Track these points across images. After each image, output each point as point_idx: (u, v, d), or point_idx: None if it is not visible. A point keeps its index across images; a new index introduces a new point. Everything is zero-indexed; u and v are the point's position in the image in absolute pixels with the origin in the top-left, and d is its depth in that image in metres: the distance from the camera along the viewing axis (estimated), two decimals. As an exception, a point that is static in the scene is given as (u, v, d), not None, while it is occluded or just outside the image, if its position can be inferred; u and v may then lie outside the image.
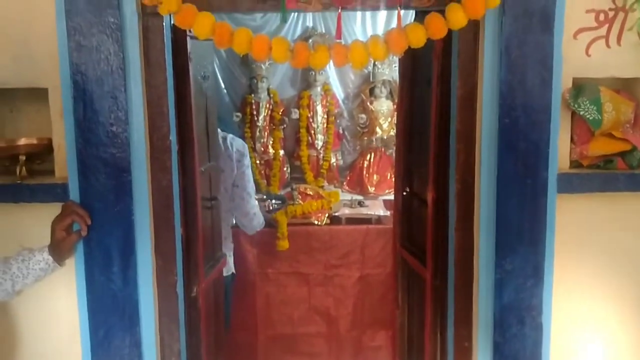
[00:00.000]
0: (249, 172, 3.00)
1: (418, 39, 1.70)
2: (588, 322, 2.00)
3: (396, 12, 1.77)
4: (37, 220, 1.87)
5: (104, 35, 1.78)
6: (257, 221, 3.15)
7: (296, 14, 4.27)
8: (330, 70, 4.42)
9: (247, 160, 2.99)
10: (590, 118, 1.89)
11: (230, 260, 3.06)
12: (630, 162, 1.93)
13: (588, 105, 1.89)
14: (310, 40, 4.21)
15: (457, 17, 1.68)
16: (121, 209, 1.86)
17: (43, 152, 1.97)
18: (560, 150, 1.91)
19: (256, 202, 3.15)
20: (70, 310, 1.93)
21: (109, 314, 1.90)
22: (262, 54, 1.70)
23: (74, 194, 1.85)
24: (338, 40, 1.76)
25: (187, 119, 2.09)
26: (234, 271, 3.13)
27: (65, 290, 1.93)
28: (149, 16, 1.84)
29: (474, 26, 1.85)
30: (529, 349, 1.94)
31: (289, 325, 3.90)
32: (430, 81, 2.16)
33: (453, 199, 1.99)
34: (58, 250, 1.81)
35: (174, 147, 1.96)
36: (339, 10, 1.75)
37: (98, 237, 1.86)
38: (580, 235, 1.96)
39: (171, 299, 1.98)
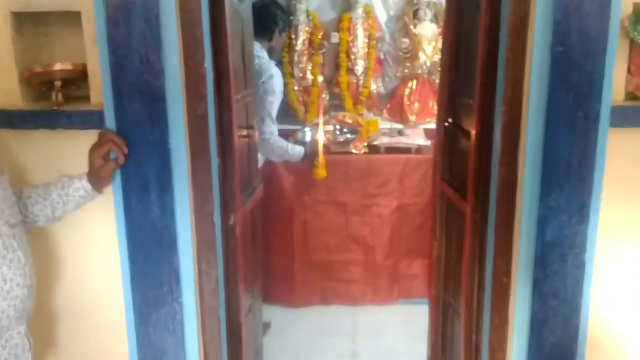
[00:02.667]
0: (266, 97, 2.88)
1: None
2: (633, 263, 1.94)
3: None
4: (75, 147, 1.87)
5: (136, -44, 1.70)
6: (271, 150, 3.05)
7: None
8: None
9: (267, 85, 2.86)
10: (651, 47, 1.76)
11: None
12: (690, 96, 1.81)
13: (649, 33, 1.75)
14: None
15: None
16: (157, 137, 1.84)
17: (79, 78, 1.95)
18: (616, 82, 1.79)
19: (275, 129, 3.03)
20: (110, 238, 1.94)
21: (147, 241, 1.91)
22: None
23: (110, 121, 1.83)
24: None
25: (222, 45, 2.01)
26: None
27: (104, 218, 1.94)
28: (181, -63, 1.75)
29: (529, -54, 1.71)
30: (570, 286, 1.89)
31: (325, 253, 3.94)
32: (479, 5, 2.02)
33: (498, 131, 1.90)
34: (96, 178, 1.82)
35: (210, 75, 1.91)
36: None
37: (135, 165, 1.85)
38: (632, 172, 1.87)
39: (208, 228, 1.98)
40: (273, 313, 3.79)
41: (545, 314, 1.91)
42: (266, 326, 3.54)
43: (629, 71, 1.84)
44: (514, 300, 1.97)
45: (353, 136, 3.80)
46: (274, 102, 2.94)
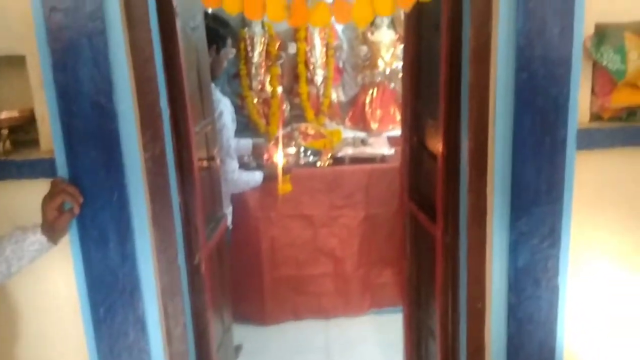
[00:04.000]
0: (225, 132, 2.82)
1: (428, -9, 1.53)
2: (606, 283, 1.93)
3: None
4: (27, 197, 1.76)
5: (80, -4, 1.61)
6: (234, 186, 3.00)
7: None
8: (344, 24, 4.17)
9: (220, 123, 2.78)
10: (614, 68, 1.75)
11: (229, 217, 2.97)
12: (656, 115, 1.80)
13: (611, 54, 1.74)
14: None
15: (471, -35, 1.51)
16: (113, 182, 1.75)
17: (27, 123, 1.84)
18: (581, 104, 1.78)
19: (236, 166, 2.99)
20: (70, 289, 1.85)
21: (108, 291, 1.82)
22: (256, 13, 1.55)
23: (62, 169, 1.74)
24: (339, -5, 1.59)
25: (177, 80, 1.93)
26: (229, 225, 3.03)
27: (63, 269, 1.84)
28: (128, -28, 1.66)
29: (489, -29, 1.67)
30: (544, 310, 1.88)
31: (294, 267, 3.90)
32: (439, 26, 1.99)
33: (465, 157, 1.87)
34: (51, 230, 1.72)
35: (165, 113, 1.84)
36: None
37: (91, 213, 1.76)
38: (600, 193, 1.86)
39: (173, 271, 1.90)
40: (244, 333, 3.71)
41: (521, 339, 1.90)
42: (238, 349, 3.47)
43: (593, 92, 1.83)
44: (490, 325, 1.95)
45: (316, 158, 3.75)
46: (230, 137, 2.87)
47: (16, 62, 1.77)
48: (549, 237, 1.82)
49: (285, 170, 3.40)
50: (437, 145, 2.05)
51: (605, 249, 1.90)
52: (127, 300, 1.83)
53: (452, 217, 2.04)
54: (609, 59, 1.73)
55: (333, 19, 1.58)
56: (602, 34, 1.75)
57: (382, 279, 3.97)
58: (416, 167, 2.47)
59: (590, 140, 1.79)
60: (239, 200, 3.60)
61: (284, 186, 3.61)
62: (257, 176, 3.15)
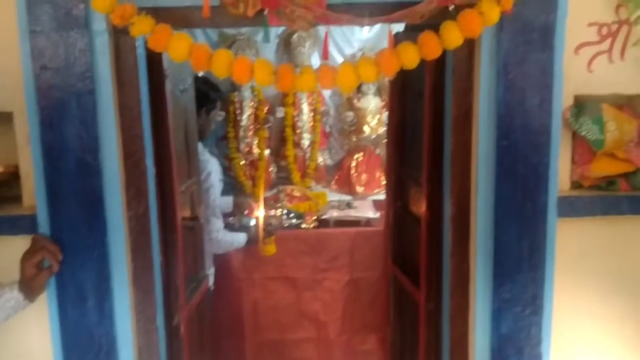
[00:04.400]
0: (213, 192, 2.83)
1: (411, 60, 1.57)
2: (590, 351, 1.92)
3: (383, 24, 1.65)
4: (6, 254, 1.74)
5: (72, 56, 1.64)
6: (217, 246, 2.98)
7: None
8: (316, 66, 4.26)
9: (208, 183, 2.80)
10: (592, 138, 1.79)
11: (211, 278, 2.94)
12: (634, 184, 1.84)
13: (590, 124, 1.79)
14: (295, 36, 4.07)
15: (453, 37, 1.56)
16: (94, 241, 1.74)
17: (10, 179, 1.84)
18: (561, 172, 1.80)
19: (221, 226, 2.98)
20: (44, 348, 1.81)
21: (84, 351, 1.78)
22: (244, 77, 1.58)
23: (43, 225, 1.73)
24: (325, 61, 1.63)
25: (164, 140, 1.96)
26: (210, 285, 2.99)
27: (38, 327, 1.81)
28: (120, 34, 1.70)
29: (470, 43, 1.73)
30: (528, 379, 1.85)
31: (277, 331, 3.81)
32: (422, 94, 2.04)
33: (448, 222, 1.89)
34: (29, 288, 1.69)
35: (151, 171, 1.85)
36: (326, 31, 1.62)
37: (70, 271, 1.74)
38: (582, 260, 1.87)
39: (151, 332, 1.87)
40: (224, 399, 3.61)
41: (505, 410, 1.86)
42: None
43: (573, 161, 1.86)
44: (473, 395, 1.92)
45: (299, 221, 3.74)
46: (217, 197, 2.88)
47: (3, 118, 1.78)
48: (531, 304, 1.82)
49: (270, 232, 3.39)
50: (420, 209, 2.07)
51: (588, 316, 1.89)
52: (102, 361, 1.79)
53: (435, 282, 2.04)
54: (588, 129, 1.78)
55: (319, 85, 1.63)
56: (581, 105, 1.80)
57: (366, 346, 3.88)
58: (400, 231, 2.48)
59: (570, 208, 1.81)
60: (221, 261, 3.56)
61: (267, 248, 3.58)
62: (240, 237, 3.14)
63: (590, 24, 1.77)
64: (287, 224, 3.65)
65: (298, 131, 4.20)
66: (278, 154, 4.29)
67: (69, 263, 1.73)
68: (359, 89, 4.19)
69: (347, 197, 4.13)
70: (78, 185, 1.71)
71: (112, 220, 1.76)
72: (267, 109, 4.20)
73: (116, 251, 1.78)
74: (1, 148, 1.87)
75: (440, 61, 1.87)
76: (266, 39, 1.64)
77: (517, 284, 1.80)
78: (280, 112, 4.17)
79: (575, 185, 1.88)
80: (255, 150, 4.18)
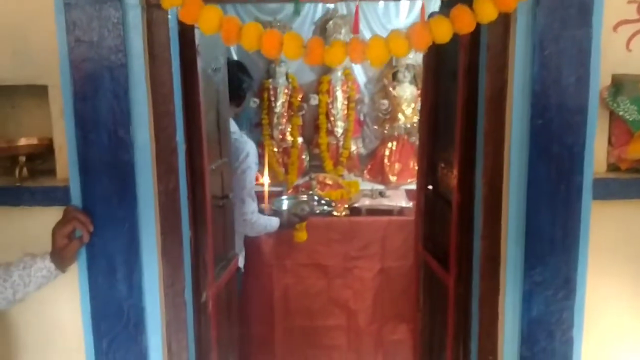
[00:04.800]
0: (249, 173, 2.84)
1: (443, 34, 1.55)
2: (623, 338, 1.87)
3: (418, 2, 1.62)
4: (39, 224, 1.78)
5: (105, 29, 1.66)
6: (251, 228, 2.97)
7: (316, -5, 4.12)
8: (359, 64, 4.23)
9: (245, 164, 2.81)
10: (630, 119, 1.74)
11: (241, 259, 2.96)
12: (673, 167, 1.78)
13: (628, 104, 1.73)
14: (331, 22, 4.06)
15: (487, 11, 1.52)
16: (125, 213, 1.76)
17: (45, 152, 1.88)
18: (597, 153, 1.76)
19: (256, 208, 2.98)
20: (74, 319, 1.84)
21: (113, 322, 1.81)
22: (273, 50, 1.57)
23: (76, 197, 1.75)
24: (355, 35, 1.62)
25: (195, 117, 1.97)
26: (240, 267, 3.01)
27: (69, 298, 1.84)
28: (153, 8, 1.71)
29: (505, 18, 1.69)
30: (559, 365, 1.81)
31: (307, 318, 3.82)
32: (456, 74, 2.01)
33: (479, 203, 1.85)
34: (60, 258, 1.72)
35: (181, 148, 1.85)
36: (357, 3, 1.60)
37: (101, 243, 1.76)
38: (617, 244, 1.82)
39: (179, 306, 1.88)
40: (253, 383, 3.63)
41: (533, 395, 1.82)
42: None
43: (609, 142, 1.81)
44: (501, 379, 1.88)
45: (329, 208, 3.73)
46: (253, 179, 2.89)
47: (38, 92, 1.81)
48: (563, 288, 1.77)
49: (301, 218, 3.39)
50: (451, 192, 2.04)
51: (622, 302, 1.84)
52: (131, 333, 1.81)
53: (465, 266, 2.00)
54: (626, 109, 1.73)
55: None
56: (619, 84, 1.75)
57: (396, 336, 3.87)
58: (430, 216, 2.45)
59: (606, 190, 1.76)
60: (253, 246, 3.59)
61: (299, 234, 3.60)
62: (273, 221, 3.14)
63: (629, 1, 1.72)
64: (318, 211, 3.64)
65: (332, 119, 4.18)
66: (311, 142, 4.28)
67: (99, 235, 1.76)
68: (394, 76, 4.16)
69: (380, 186, 4.11)
70: (110, 158, 1.73)
71: (142, 194, 1.78)
72: (302, 97, 4.20)
73: (146, 225, 1.80)
74: (36, 121, 1.91)
75: (475, 39, 1.84)
76: (297, 11, 1.63)
77: (549, 266, 1.76)
78: (314, 100, 4.16)
79: (612, 167, 1.83)
80: (289, 138, 4.19)
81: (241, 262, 3.02)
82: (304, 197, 3.73)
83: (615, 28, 1.73)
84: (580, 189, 1.73)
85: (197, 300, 2.04)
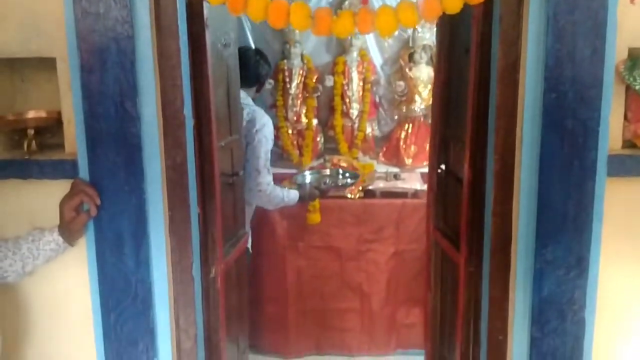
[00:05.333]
0: (260, 147, 2.81)
1: (453, 4, 1.52)
2: (636, 318, 1.82)
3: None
4: (47, 198, 1.78)
5: (112, 1, 1.65)
6: (267, 200, 2.94)
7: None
8: (367, 34, 4.20)
9: (261, 134, 2.80)
10: (648, 93, 1.68)
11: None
12: (691, 143, 1.72)
13: (645, 78, 1.68)
14: (347, 2, 4.01)
15: (498, -21, 1.49)
16: (132, 187, 1.75)
17: (54, 126, 1.87)
18: (612, 129, 1.71)
19: (271, 180, 2.95)
20: (83, 293, 1.84)
21: (120, 297, 1.81)
22: (280, 21, 1.55)
23: (83, 171, 1.75)
24: (364, 5, 1.59)
25: (203, 91, 1.95)
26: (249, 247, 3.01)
27: (77, 272, 1.84)
28: (160, -21, 1.70)
29: (518, -11, 1.66)
30: (570, 345, 1.77)
31: (320, 300, 3.81)
32: (469, 50, 1.96)
33: (491, 180, 1.82)
34: (68, 231, 1.73)
35: (189, 122, 1.84)
36: (365, -28, 1.57)
37: (109, 216, 1.76)
38: (631, 223, 1.77)
39: (187, 282, 1.88)
40: (265, 364, 3.64)
41: (544, 375, 1.79)
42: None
43: (625, 118, 1.76)
44: (511, 359, 1.85)
45: (353, 180, 3.68)
46: (268, 151, 2.87)
47: (46, 65, 1.81)
48: (576, 267, 1.74)
49: (323, 192, 3.37)
50: (463, 169, 2.00)
51: (637, 281, 1.79)
52: (139, 307, 1.81)
53: (476, 244, 1.97)
54: (643, 83, 1.67)
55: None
56: (636, 58, 1.69)
57: (409, 319, 3.84)
58: (443, 196, 2.42)
59: (621, 167, 1.71)
60: (266, 227, 3.59)
61: (313, 216, 3.58)
62: (292, 194, 3.10)
63: (649, -28, 1.66)
64: (341, 183, 3.61)
65: (347, 101, 4.15)
66: (326, 124, 4.25)
67: (107, 209, 1.75)
68: (411, 57, 4.10)
69: (395, 169, 4.07)
70: (117, 131, 1.72)
71: (149, 168, 1.77)
72: (317, 78, 4.16)
73: (154, 199, 1.79)
74: (45, 95, 1.90)
75: (488, 11, 1.80)
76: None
77: (561, 245, 1.73)
78: (329, 81, 4.12)
79: (628, 144, 1.78)
80: (304, 120, 4.16)
81: (248, 243, 3.01)
82: (327, 172, 3.70)
83: (632, 0, 1.67)
84: (594, 165, 1.69)
85: (206, 276, 2.04)
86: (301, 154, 4.12)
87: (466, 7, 1.58)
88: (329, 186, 3.45)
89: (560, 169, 1.69)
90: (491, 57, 1.79)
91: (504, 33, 1.71)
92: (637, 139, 1.75)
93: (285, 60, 4.12)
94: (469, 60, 1.96)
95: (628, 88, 1.72)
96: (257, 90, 3.01)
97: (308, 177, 3.72)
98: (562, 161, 1.69)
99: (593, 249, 1.73)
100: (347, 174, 3.71)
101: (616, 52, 1.67)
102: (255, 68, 2.93)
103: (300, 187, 3.42)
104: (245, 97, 2.84)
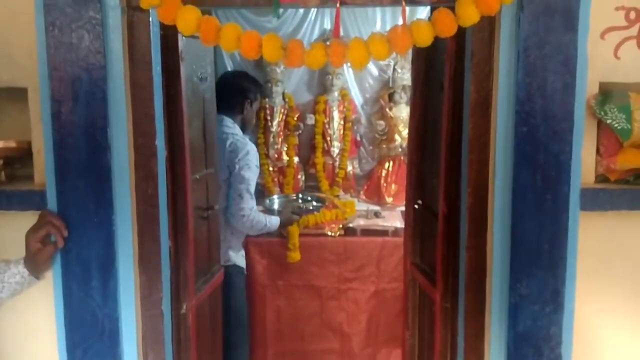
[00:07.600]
0: (243, 173, 2.86)
1: (424, 37, 1.52)
2: (615, 355, 1.80)
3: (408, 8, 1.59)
4: (14, 229, 1.73)
5: (84, 31, 1.64)
6: (250, 225, 2.99)
7: (313, 15, 4.13)
8: (349, 74, 4.25)
9: (243, 162, 2.85)
10: (619, 127, 1.69)
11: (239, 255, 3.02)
12: (664, 178, 1.73)
13: (616, 113, 1.69)
14: (328, 43, 4.05)
15: (468, 13, 1.50)
16: (101, 219, 1.72)
17: (23, 156, 1.85)
18: (585, 163, 1.71)
19: (254, 205, 2.99)
20: (49, 328, 1.79)
21: (87, 332, 1.76)
22: (252, 51, 1.55)
23: (52, 202, 1.72)
24: (335, 38, 1.59)
25: (177, 122, 1.94)
26: (236, 263, 3.04)
27: (44, 306, 1.79)
28: (134, 10, 1.69)
29: (489, 24, 1.67)
30: (547, 383, 1.74)
31: (299, 341, 3.74)
32: (444, 86, 1.98)
33: (465, 214, 1.80)
34: (33, 263, 1.69)
35: (162, 153, 1.82)
36: (337, 5, 1.58)
37: (76, 248, 1.72)
38: (606, 257, 1.76)
39: (156, 317, 1.83)
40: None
41: (521, 414, 1.75)
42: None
43: (598, 153, 1.77)
44: (488, 398, 1.81)
45: (319, 204, 3.76)
46: (252, 178, 2.90)
47: (18, 95, 1.79)
48: (551, 302, 1.72)
49: (300, 215, 3.49)
50: (437, 203, 1.99)
51: (613, 317, 1.78)
52: (105, 343, 1.76)
53: (452, 279, 1.95)
54: (614, 117, 1.68)
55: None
56: (607, 92, 1.71)
57: (390, 361, 3.78)
58: (419, 230, 2.40)
59: (594, 201, 1.71)
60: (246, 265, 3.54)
61: (292, 255, 3.55)
62: (274, 220, 3.15)
63: (617, 8, 1.69)
64: (310, 207, 3.66)
65: (328, 139, 4.17)
66: (307, 162, 4.26)
67: (75, 241, 1.72)
68: (391, 97, 4.15)
69: (376, 207, 4.06)
70: (87, 162, 1.70)
71: (119, 199, 1.74)
72: (298, 116, 4.20)
73: (123, 232, 1.76)
74: (17, 125, 1.88)
75: (461, 47, 1.82)
76: (275, 13, 1.60)
77: (536, 279, 1.71)
78: (310, 119, 4.16)
79: (601, 179, 1.78)
80: (285, 157, 4.17)
81: (242, 262, 3.00)
82: (293, 196, 3.81)
83: (602, 35, 1.70)
84: (567, 199, 1.68)
85: (176, 312, 1.99)
86: (282, 191, 4.11)
87: (440, 43, 1.59)
88: (300, 211, 3.55)
89: (534, 202, 1.69)
90: (464, 91, 1.80)
91: (475, 68, 1.72)
92: (610, 173, 1.75)
93: (267, 99, 4.14)
94: (444, 96, 1.97)
95: (600, 123, 1.73)
96: (240, 112, 3.02)
97: (277, 202, 3.84)
98: (535, 195, 1.68)
99: (568, 284, 1.71)
100: (310, 198, 3.87)
101: (587, 86, 1.68)
102: (243, 93, 2.97)
103: (279, 213, 3.48)
104: (231, 126, 2.88)
